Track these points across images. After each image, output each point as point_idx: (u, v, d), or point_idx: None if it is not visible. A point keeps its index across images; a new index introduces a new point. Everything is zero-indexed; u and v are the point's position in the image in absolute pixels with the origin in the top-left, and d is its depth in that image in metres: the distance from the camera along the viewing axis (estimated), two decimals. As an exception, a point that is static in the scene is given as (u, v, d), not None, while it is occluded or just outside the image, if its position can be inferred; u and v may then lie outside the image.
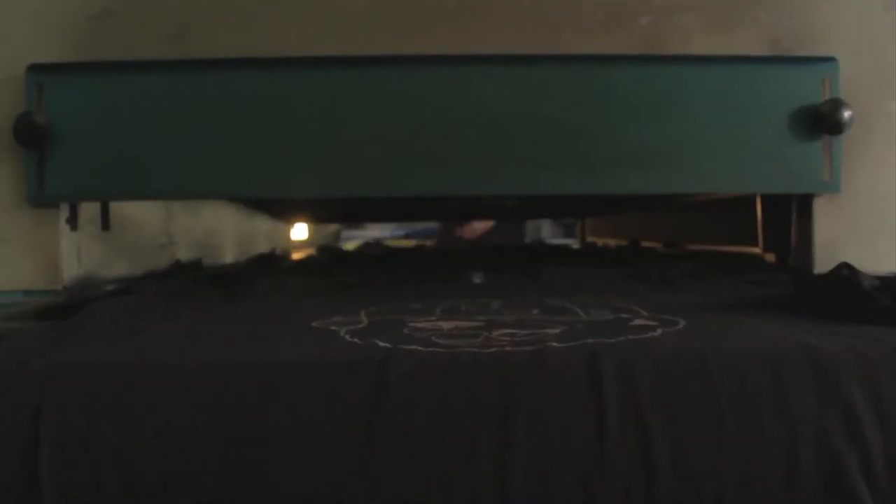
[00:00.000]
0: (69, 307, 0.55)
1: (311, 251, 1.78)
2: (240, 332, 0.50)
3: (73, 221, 0.72)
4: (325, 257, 1.43)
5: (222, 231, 1.30)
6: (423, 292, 0.71)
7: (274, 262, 1.20)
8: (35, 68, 0.68)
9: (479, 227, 2.64)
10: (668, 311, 0.56)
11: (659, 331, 0.48)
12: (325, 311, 0.57)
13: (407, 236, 3.08)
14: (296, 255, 1.63)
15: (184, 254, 1.05)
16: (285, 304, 0.66)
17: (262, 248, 1.57)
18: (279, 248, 1.55)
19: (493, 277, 0.83)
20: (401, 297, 0.67)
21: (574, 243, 2.29)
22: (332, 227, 2.74)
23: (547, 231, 3.10)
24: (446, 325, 0.51)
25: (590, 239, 2.12)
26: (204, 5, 0.70)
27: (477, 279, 0.81)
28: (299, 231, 2.01)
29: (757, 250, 0.91)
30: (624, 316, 0.55)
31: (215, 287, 0.78)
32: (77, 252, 0.73)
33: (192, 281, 0.82)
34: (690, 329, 0.49)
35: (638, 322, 0.52)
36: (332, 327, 0.51)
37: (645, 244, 1.52)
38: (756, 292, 0.68)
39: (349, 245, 2.62)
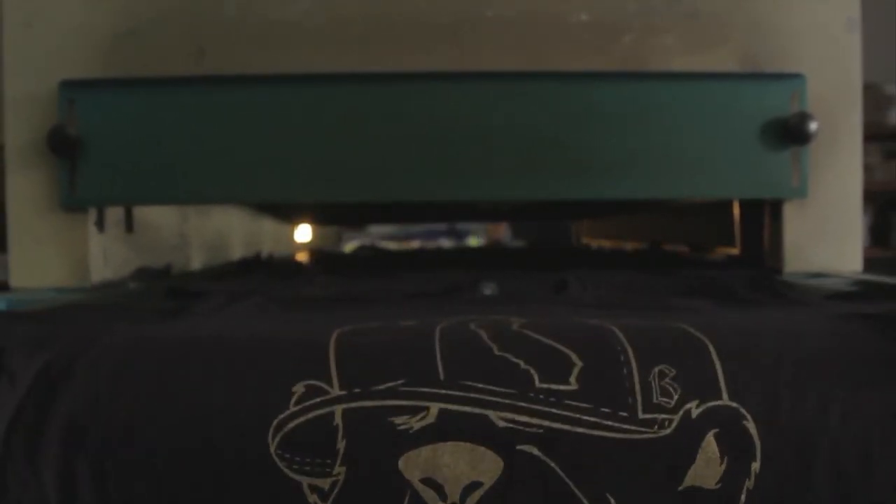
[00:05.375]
0: None
1: (304, 254, 1.74)
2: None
3: (100, 224, 0.78)
4: (314, 262, 1.31)
5: (231, 232, 1.36)
6: (420, 306, 0.58)
7: (256, 268, 1.10)
8: (67, 84, 0.74)
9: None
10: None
11: None
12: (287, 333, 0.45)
13: (407, 237, 3.14)
14: (287, 257, 1.63)
15: (196, 254, 1.11)
16: (240, 321, 0.54)
17: (268, 248, 1.62)
18: (267, 251, 1.54)
19: (508, 287, 0.71)
20: (390, 312, 0.55)
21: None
22: (334, 229, 2.79)
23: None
24: None
25: (584, 240, 2.18)
26: (221, 26, 0.76)
27: (488, 290, 0.70)
28: (303, 232, 2.06)
29: (735, 251, 0.97)
30: None
31: (166, 299, 0.67)
32: (103, 252, 0.79)
33: (139, 292, 0.74)
34: None
35: None
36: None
37: (666, 247, 1.40)
38: (847, 308, 0.54)
39: (349, 246, 2.68)
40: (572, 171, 0.76)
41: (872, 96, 2.87)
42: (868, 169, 2.91)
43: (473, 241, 3.05)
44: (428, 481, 0.37)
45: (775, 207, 0.80)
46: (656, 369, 0.40)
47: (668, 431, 0.38)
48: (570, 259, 1.24)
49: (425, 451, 0.38)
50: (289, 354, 0.41)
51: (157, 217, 0.98)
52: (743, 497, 0.38)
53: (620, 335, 0.42)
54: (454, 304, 0.60)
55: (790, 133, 0.75)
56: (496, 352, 0.41)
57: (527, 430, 0.38)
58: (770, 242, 0.82)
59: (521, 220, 2.71)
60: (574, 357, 0.40)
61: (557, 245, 2.24)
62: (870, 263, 0.80)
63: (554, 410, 0.38)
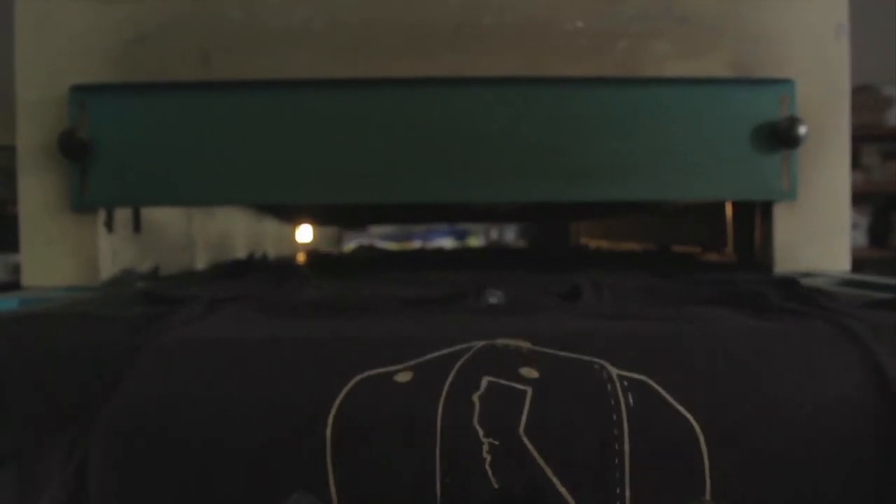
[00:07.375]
0: None
1: (301, 255, 1.70)
2: None
3: (109, 225, 0.80)
4: (309, 264, 1.23)
5: (234, 233, 1.38)
6: (419, 318, 0.52)
7: (248, 269, 1.02)
8: (77, 88, 0.76)
9: None
10: None
11: None
12: None
13: (406, 238, 3.16)
14: (282, 258, 1.61)
15: (202, 254, 1.13)
16: (210, 335, 0.47)
17: (271, 248, 1.64)
18: (268, 251, 1.55)
19: (514, 291, 0.64)
20: (384, 324, 0.49)
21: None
22: (335, 229, 2.82)
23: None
24: None
25: (583, 240, 2.20)
26: (227, 32, 0.78)
27: (493, 298, 0.61)
28: (304, 233, 2.08)
29: (728, 251, 0.99)
30: None
31: (140, 307, 0.59)
32: (112, 253, 0.81)
33: (118, 298, 0.68)
34: None
35: None
36: None
37: (676, 248, 1.33)
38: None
39: (348, 247, 2.70)
40: (569, 173, 0.78)
41: (871, 97, 2.88)
42: (867, 169, 2.93)
43: (473, 241, 3.08)
44: None
45: (766, 209, 0.82)
46: None
47: None
48: (576, 261, 1.18)
49: None
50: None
51: (164, 218, 1.00)
52: None
53: (626, 465, 0.41)
54: (456, 313, 0.55)
55: (780, 136, 0.77)
56: (495, 486, 0.41)
57: None
58: (761, 243, 0.84)
59: (520, 222, 2.73)
60: (571, 501, 0.40)
61: (560, 245, 2.24)
62: (869, 263, 0.81)
63: None
